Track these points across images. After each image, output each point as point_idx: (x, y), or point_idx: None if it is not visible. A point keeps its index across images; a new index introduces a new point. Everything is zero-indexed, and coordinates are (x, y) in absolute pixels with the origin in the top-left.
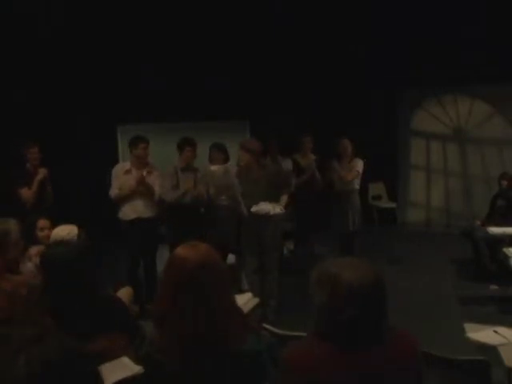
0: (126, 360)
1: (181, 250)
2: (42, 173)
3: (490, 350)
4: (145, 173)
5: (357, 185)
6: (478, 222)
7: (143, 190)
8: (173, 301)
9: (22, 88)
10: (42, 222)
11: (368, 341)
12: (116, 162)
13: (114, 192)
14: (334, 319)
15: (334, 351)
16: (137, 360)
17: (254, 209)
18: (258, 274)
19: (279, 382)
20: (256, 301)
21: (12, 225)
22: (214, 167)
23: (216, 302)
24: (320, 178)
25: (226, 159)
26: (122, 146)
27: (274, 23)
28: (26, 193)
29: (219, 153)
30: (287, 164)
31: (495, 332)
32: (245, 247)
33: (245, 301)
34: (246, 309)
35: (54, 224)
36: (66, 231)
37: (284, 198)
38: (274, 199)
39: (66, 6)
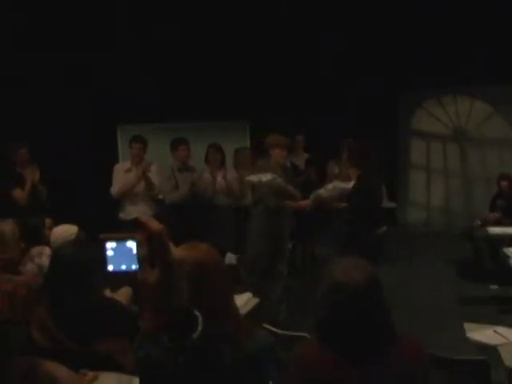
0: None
1: (179, 251)
2: (31, 172)
3: (490, 350)
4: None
5: None
6: (478, 222)
7: (145, 183)
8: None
9: (21, 87)
10: (48, 221)
11: (367, 350)
12: (116, 161)
13: (115, 189)
14: (325, 321)
15: (335, 357)
16: (136, 361)
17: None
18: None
19: (284, 381)
20: (256, 301)
21: (9, 225)
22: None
23: (215, 303)
24: (316, 178)
25: (223, 160)
26: (122, 146)
27: (274, 23)
28: (20, 194)
29: (217, 153)
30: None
31: (495, 332)
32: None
33: (245, 301)
34: (246, 309)
35: (54, 224)
36: (66, 231)
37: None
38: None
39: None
